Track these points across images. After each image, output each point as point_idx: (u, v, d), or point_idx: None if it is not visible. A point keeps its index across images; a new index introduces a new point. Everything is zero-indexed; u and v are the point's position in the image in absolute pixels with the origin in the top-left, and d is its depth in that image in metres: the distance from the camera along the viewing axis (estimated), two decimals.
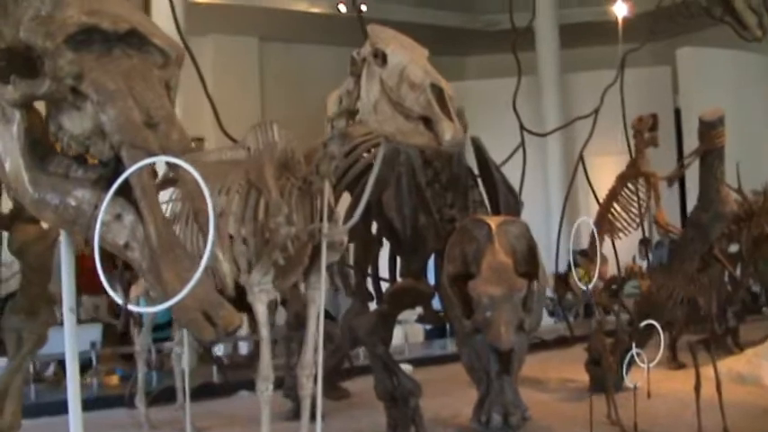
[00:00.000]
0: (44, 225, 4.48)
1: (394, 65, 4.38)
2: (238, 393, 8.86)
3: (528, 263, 5.61)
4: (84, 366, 9.28)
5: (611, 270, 11.64)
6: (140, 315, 7.84)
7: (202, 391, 8.24)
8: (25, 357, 4.97)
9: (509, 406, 5.16)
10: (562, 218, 12.34)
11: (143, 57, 3.10)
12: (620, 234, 10.90)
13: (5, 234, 4.71)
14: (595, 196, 11.65)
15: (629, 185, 10.66)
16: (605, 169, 13.50)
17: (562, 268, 12.34)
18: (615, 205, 10.76)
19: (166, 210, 6.69)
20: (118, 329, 9.39)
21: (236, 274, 5.32)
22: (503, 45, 12.23)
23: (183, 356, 7.11)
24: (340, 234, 5.21)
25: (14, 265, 5.27)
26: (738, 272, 9.16)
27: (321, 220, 5.06)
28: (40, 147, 3.11)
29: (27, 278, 4.79)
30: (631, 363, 6.70)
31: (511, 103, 11.56)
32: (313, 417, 5.19)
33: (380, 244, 6.85)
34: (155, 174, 3.08)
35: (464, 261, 5.61)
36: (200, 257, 2.53)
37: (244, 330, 9.88)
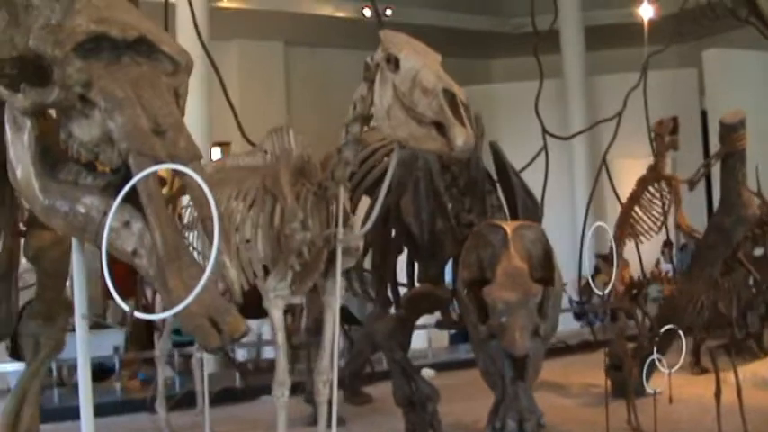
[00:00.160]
0: None
1: (407, 70, 4.37)
2: (260, 398, 8.87)
3: (544, 268, 5.58)
4: (109, 371, 9.37)
5: (634, 274, 11.55)
6: (162, 320, 7.88)
7: (224, 396, 8.28)
8: (43, 362, 5.01)
9: (524, 412, 5.13)
10: (585, 222, 12.26)
11: (152, 64, 3.10)
12: (642, 238, 10.81)
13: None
14: (618, 200, 11.58)
15: (650, 189, 10.58)
16: (631, 172, 13.37)
17: (585, 272, 12.28)
18: (636, 209, 10.68)
19: (185, 215, 6.73)
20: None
21: (252, 280, 5.34)
22: (529, 48, 12.18)
23: (203, 361, 7.13)
24: (355, 239, 5.22)
25: None
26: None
27: (336, 225, 5.06)
28: (51, 154, 3.12)
29: (43, 284, 4.82)
30: (653, 368, 6.65)
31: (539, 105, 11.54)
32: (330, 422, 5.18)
33: (400, 250, 6.85)
34: (163, 181, 3.10)
35: (479, 266, 5.59)
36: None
37: (268, 335, 9.89)
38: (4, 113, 3.11)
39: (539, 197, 8.05)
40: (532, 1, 11.03)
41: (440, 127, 4.24)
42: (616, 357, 7.37)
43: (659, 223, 10.68)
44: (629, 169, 14.15)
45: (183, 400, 8.13)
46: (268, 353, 10.87)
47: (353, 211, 6.55)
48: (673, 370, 6.45)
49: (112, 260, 3.47)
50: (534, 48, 11.28)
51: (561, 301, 5.90)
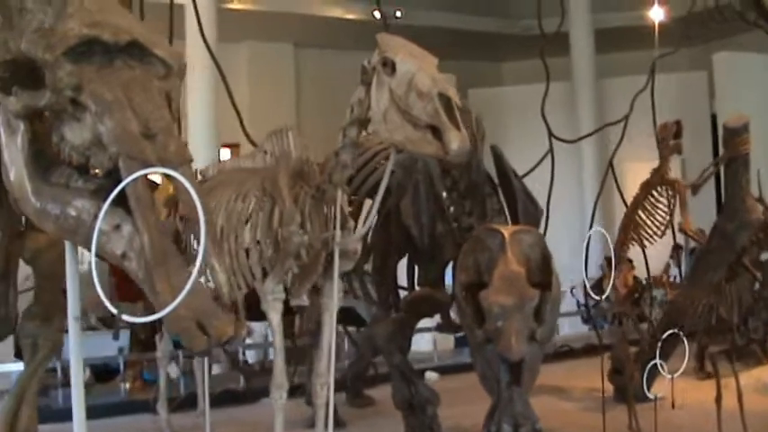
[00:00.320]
0: None
1: (402, 73, 4.39)
2: (261, 401, 8.87)
3: (542, 272, 5.55)
4: (114, 371, 9.40)
5: (641, 278, 11.50)
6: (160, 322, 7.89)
7: (226, 398, 8.29)
8: (41, 363, 5.03)
9: (519, 417, 5.11)
10: (590, 225, 12.21)
11: (144, 68, 3.11)
12: (646, 242, 10.76)
13: None
14: (625, 203, 11.53)
15: (654, 193, 10.52)
16: (639, 176, 13.31)
17: (591, 276, 12.25)
18: (640, 213, 10.62)
19: None
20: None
21: (251, 282, 5.35)
22: (538, 50, 12.15)
23: (204, 363, 7.15)
24: (353, 242, 5.22)
25: None
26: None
27: (334, 228, 5.07)
28: (44, 157, 3.14)
29: (40, 285, 4.85)
30: (655, 372, 6.62)
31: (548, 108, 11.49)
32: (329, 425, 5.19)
33: (400, 253, 6.84)
34: (153, 184, 3.11)
35: (477, 270, 5.57)
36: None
37: None
38: None
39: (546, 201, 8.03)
40: (539, 3, 10.98)
41: (435, 131, 4.25)
42: (618, 362, 7.36)
43: (663, 227, 10.62)
44: (638, 173, 14.05)
45: (186, 402, 8.15)
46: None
47: (357, 214, 6.57)
48: (675, 375, 6.43)
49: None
50: (541, 50, 11.23)
51: (560, 306, 5.88)
